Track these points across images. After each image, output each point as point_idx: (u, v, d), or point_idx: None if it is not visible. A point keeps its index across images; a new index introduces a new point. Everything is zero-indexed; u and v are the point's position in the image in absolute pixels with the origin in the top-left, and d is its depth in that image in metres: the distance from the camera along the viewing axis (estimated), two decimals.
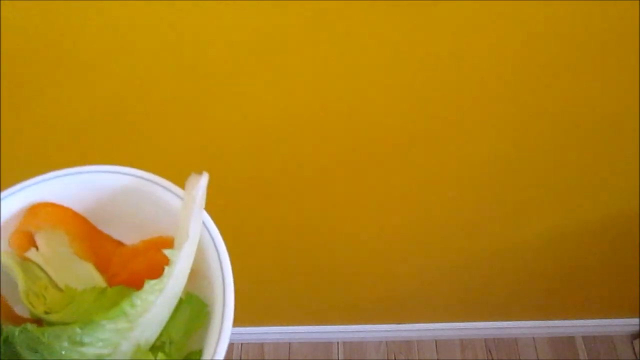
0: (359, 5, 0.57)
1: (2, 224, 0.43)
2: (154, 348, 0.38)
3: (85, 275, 0.43)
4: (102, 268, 0.44)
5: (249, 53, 0.63)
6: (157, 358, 0.36)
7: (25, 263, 0.43)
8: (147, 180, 0.43)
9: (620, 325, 1.42)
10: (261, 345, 1.43)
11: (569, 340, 1.47)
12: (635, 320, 1.39)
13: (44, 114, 0.67)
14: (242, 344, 1.43)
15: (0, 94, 0.62)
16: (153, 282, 0.36)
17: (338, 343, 1.44)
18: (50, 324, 0.41)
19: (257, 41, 0.61)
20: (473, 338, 1.47)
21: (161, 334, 0.38)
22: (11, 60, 0.59)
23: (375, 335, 1.43)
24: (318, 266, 1.11)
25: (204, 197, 0.40)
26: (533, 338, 1.47)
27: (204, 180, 0.40)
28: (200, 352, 0.38)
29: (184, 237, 0.38)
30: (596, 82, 0.66)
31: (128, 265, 0.44)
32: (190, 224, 0.38)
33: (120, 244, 0.46)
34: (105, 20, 0.57)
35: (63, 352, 0.35)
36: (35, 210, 0.43)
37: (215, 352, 0.36)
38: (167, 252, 0.37)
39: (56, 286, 0.43)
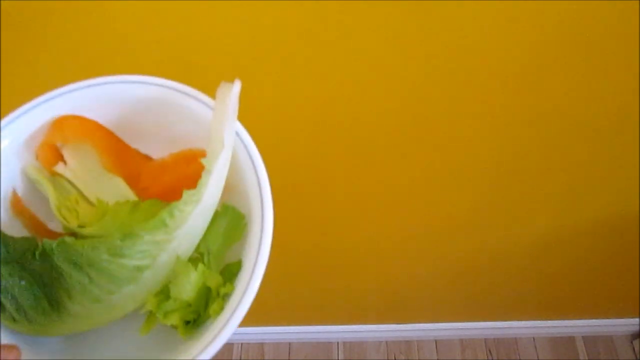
0: (359, 5, 0.55)
1: (28, 138, 0.41)
2: (193, 259, 0.38)
3: (115, 188, 0.42)
4: (131, 182, 0.43)
5: (249, 53, 0.61)
6: (198, 269, 0.36)
7: (54, 178, 0.42)
8: (176, 90, 0.41)
9: (620, 325, 1.42)
10: (261, 345, 1.43)
11: (569, 340, 1.47)
12: (635, 320, 1.38)
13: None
14: (242, 344, 1.43)
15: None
16: (190, 192, 0.35)
17: (338, 343, 1.44)
18: (85, 237, 0.40)
19: (257, 41, 0.60)
20: (473, 338, 1.46)
21: (199, 246, 0.38)
22: None
23: (375, 335, 1.43)
24: (318, 266, 1.11)
25: (237, 105, 0.38)
26: (533, 338, 1.47)
27: (236, 87, 0.38)
28: (239, 263, 0.37)
29: (219, 145, 0.36)
30: (596, 82, 0.66)
31: (158, 179, 0.43)
32: (224, 133, 0.37)
33: (148, 158, 0.45)
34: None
35: (104, 264, 0.35)
36: (60, 123, 0.41)
37: (255, 263, 0.35)
38: (203, 160, 0.36)
39: (87, 200, 0.42)
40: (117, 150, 0.43)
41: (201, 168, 0.40)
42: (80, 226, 0.40)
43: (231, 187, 0.39)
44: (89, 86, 0.42)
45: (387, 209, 0.94)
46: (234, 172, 0.39)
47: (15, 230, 0.41)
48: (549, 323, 1.41)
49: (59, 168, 0.41)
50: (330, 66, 0.64)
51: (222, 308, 0.36)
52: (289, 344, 1.44)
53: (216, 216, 0.38)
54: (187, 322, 0.38)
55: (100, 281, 0.35)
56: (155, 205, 0.40)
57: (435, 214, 0.95)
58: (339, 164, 0.81)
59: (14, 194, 0.41)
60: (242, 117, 0.40)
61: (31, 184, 0.42)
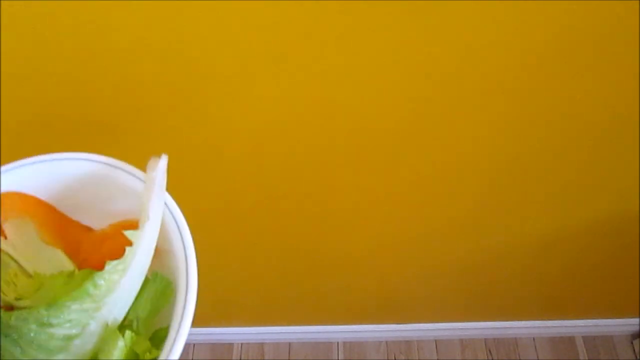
0: (359, 5, 0.56)
1: None
2: (122, 327, 0.39)
3: (55, 260, 0.44)
4: (72, 254, 0.45)
5: (249, 53, 0.62)
6: (125, 336, 0.37)
7: None
8: (111, 166, 0.44)
9: (620, 325, 1.41)
10: (261, 345, 1.43)
11: (569, 340, 1.46)
12: (635, 320, 1.38)
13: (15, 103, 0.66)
14: (242, 344, 1.43)
15: None
16: (115, 262, 0.37)
17: (338, 343, 1.44)
18: (22, 309, 0.42)
19: (257, 41, 0.61)
20: (473, 338, 1.46)
21: (128, 313, 0.39)
22: None
23: (375, 335, 1.43)
24: (318, 266, 1.11)
25: (164, 178, 0.41)
26: (533, 338, 1.47)
27: (163, 162, 0.40)
28: (166, 329, 0.39)
29: (145, 218, 0.39)
30: (596, 82, 0.66)
31: (97, 250, 0.45)
32: (150, 205, 0.39)
33: (89, 229, 0.47)
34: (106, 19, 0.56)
35: (32, 334, 0.36)
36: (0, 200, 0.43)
37: (178, 330, 0.37)
38: (127, 233, 0.38)
39: (26, 273, 0.44)
40: (56, 223, 0.45)
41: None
42: (18, 299, 0.41)
43: (161, 253, 0.41)
44: (27, 164, 0.45)
45: (386, 209, 0.93)
46: (163, 240, 0.41)
47: None
48: (549, 323, 1.40)
49: None
50: (330, 67, 0.64)
51: None
52: (289, 344, 1.43)
53: (146, 283, 0.40)
54: None
55: (31, 352, 0.37)
56: (89, 274, 0.41)
57: (435, 213, 0.95)
58: (339, 165, 0.81)
59: None
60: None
61: None
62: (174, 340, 0.36)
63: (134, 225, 0.45)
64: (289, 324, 1.37)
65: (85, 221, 0.47)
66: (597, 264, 1.13)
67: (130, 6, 0.55)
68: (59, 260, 0.44)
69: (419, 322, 1.39)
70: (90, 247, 0.46)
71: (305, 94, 0.68)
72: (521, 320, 1.40)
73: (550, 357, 1.45)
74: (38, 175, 0.45)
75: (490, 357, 1.44)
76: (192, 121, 0.71)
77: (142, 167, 0.44)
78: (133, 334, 0.38)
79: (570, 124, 0.73)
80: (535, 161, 0.81)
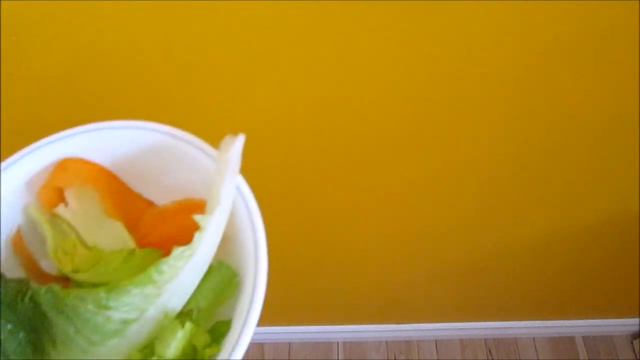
0: (359, 5, 0.55)
1: (30, 179, 0.41)
2: (181, 315, 0.36)
3: (114, 234, 0.42)
4: (131, 227, 0.43)
5: (249, 53, 0.61)
6: (185, 327, 0.35)
7: (54, 219, 0.42)
8: (181, 139, 0.41)
9: (620, 325, 1.41)
10: (261, 345, 1.42)
11: (569, 340, 1.46)
12: (635, 320, 1.38)
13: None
14: None
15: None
16: (182, 248, 0.34)
17: (338, 343, 1.43)
18: (78, 282, 0.40)
19: (257, 41, 0.60)
20: (473, 338, 1.46)
21: (189, 301, 0.37)
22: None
23: (375, 335, 1.42)
24: (318, 266, 1.10)
25: (239, 160, 0.38)
26: (533, 338, 1.47)
27: (239, 142, 0.37)
28: (229, 322, 0.36)
29: (215, 202, 0.35)
30: (596, 82, 0.65)
31: (158, 227, 0.43)
32: (222, 189, 0.36)
33: (150, 203, 0.45)
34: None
35: (88, 315, 0.34)
36: (64, 165, 0.41)
37: (244, 326, 0.34)
38: (197, 217, 0.35)
39: (85, 244, 0.41)
40: (119, 194, 0.43)
41: None
42: (74, 271, 0.39)
43: (227, 241, 0.38)
44: (93, 130, 0.42)
45: (387, 209, 0.93)
46: (232, 226, 0.38)
47: (12, 269, 0.41)
48: (549, 323, 1.41)
49: (59, 209, 0.41)
50: (329, 67, 0.63)
51: None
52: (289, 344, 1.43)
53: (209, 272, 0.37)
54: None
55: (85, 332, 0.34)
56: (149, 254, 0.39)
57: (435, 213, 0.95)
58: (339, 165, 0.81)
59: (18, 231, 0.41)
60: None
61: (32, 224, 0.42)
62: (238, 338, 0.34)
63: (198, 204, 0.42)
64: (289, 324, 1.38)
65: (146, 194, 0.45)
66: (597, 264, 1.13)
67: (130, 6, 0.54)
68: (118, 234, 0.41)
69: (419, 322, 1.39)
70: (150, 222, 0.43)
71: (305, 94, 0.67)
72: (521, 320, 1.40)
73: (550, 357, 1.45)
74: (102, 142, 0.42)
75: (490, 357, 1.44)
76: (192, 121, 0.69)
77: None
78: (192, 325, 0.35)
79: (570, 124, 0.73)
80: (535, 161, 0.81)
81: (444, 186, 0.86)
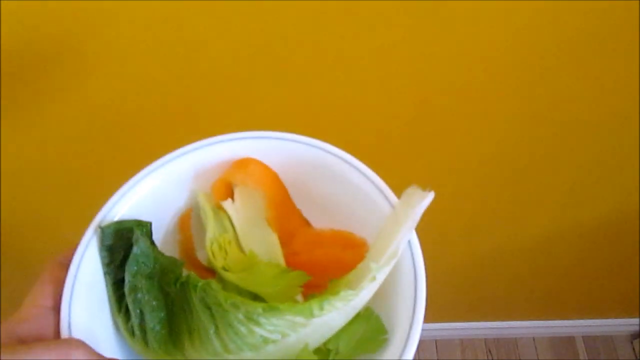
0: (359, 5, 0.55)
1: (208, 167, 0.42)
2: (319, 351, 0.35)
3: (268, 243, 0.41)
4: (283, 241, 0.42)
5: (250, 53, 0.61)
6: None
7: (218, 211, 0.42)
8: (362, 173, 0.40)
9: (620, 325, 1.42)
10: None
11: (569, 340, 1.46)
12: (635, 320, 1.38)
13: None
14: None
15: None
16: (350, 292, 0.33)
17: None
18: (223, 279, 0.40)
19: (258, 40, 0.60)
20: (473, 338, 1.46)
21: (329, 340, 0.36)
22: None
23: None
24: None
25: (420, 216, 0.36)
26: (533, 338, 1.46)
27: (428, 199, 0.35)
28: None
29: (391, 254, 0.34)
30: (596, 82, 0.66)
31: (311, 251, 0.42)
32: (401, 242, 0.35)
33: (307, 222, 0.44)
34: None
35: (235, 322, 0.34)
36: (244, 163, 0.41)
37: None
38: (373, 265, 0.34)
39: (238, 244, 0.42)
40: (283, 206, 0.43)
41: (357, 258, 0.39)
42: (224, 268, 0.40)
43: (382, 292, 0.36)
44: (277, 138, 0.42)
45: None
46: (393, 279, 0.36)
47: (169, 244, 0.42)
48: (549, 323, 1.42)
49: (226, 204, 0.42)
50: (331, 67, 0.64)
51: None
52: None
53: (357, 317, 0.36)
54: None
55: (225, 337, 0.34)
56: (300, 277, 0.38)
57: (435, 213, 0.91)
58: None
59: (188, 211, 0.42)
60: None
61: (195, 210, 0.43)
62: None
63: (357, 242, 0.41)
64: None
65: (306, 213, 0.44)
66: (597, 264, 1.14)
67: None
68: (271, 245, 0.41)
69: None
70: (303, 242, 0.43)
71: (305, 94, 0.68)
72: (521, 320, 1.41)
73: (550, 357, 1.44)
74: (279, 151, 0.42)
75: (490, 357, 1.44)
76: (191, 121, 0.70)
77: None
78: None
79: (571, 125, 0.73)
80: (535, 162, 0.81)
81: (444, 186, 0.87)
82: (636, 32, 0.59)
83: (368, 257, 0.37)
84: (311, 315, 0.32)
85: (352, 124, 0.74)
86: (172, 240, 0.42)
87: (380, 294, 0.36)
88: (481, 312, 1.38)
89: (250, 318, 0.33)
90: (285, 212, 0.43)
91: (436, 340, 1.46)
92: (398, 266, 0.36)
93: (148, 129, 0.72)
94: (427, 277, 0.35)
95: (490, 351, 1.46)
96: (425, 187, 0.84)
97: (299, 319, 0.33)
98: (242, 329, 0.34)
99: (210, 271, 0.41)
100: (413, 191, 0.37)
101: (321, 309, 0.32)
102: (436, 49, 0.61)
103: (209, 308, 0.35)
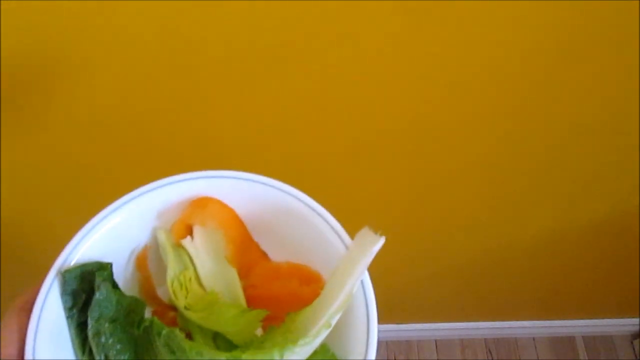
0: (359, 5, 0.55)
1: (164, 207, 0.43)
2: None
3: (227, 279, 0.43)
4: (242, 274, 0.44)
5: (250, 53, 0.62)
6: None
7: (178, 249, 0.43)
8: (320, 215, 0.42)
9: (620, 325, 1.42)
10: None
11: (569, 340, 1.46)
12: (635, 320, 1.39)
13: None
14: None
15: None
16: (306, 340, 0.35)
17: None
18: (184, 318, 0.41)
19: (258, 40, 0.60)
20: (473, 338, 1.46)
21: None
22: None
23: None
24: None
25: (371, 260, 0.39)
26: (533, 338, 1.46)
27: (379, 244, 0.38)
28: None
29: (345, 299, 0.36)
30: (596, 82, 0.66)
31: (269, 284, 0.44)
32: (351, 283, 0.37)
33: (265, 255, 0.46)
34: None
35: None
36: (203, 203, 0.43)
37: None
38: (328, 317, 0.36)
39: (199, 282, 0.43)
40: (241, 242, 0.44)
41: (313, 293, 0.41)
42: (186, 307, 0.41)
43: (337, 330, 0.39)
44: (235, 178, 0.44)
45: (386, 209, 0.94)
46: (347, 318, 0.39)
47: (128, 283, 0.43)
48: (549, 323, 1.43)
49: (186, 242, 0.43)
50: (331, 66, 0.64)
51: None
52: None
53: (313, 354, 0.38)
54: None
55: None
56: (259, 316, 0.40)
57: (435, 213, 0.95)
58: (339, 163, 0.82)
59: (144, 250, 0.43)
60: None
61: (156, 248, 0.44)
62: None
63: (314, 277, 0.43)
64: None
65: (263, 246, 0.46)
66: (597, 264, 1.14)
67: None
68: (232, 281, 0.43)
69: (419, 322, 1.40)
70: (261, 276, 0.45)
71: (306, 94, 0.68)
72: (521, 320, 1.41)
73: (550, 357, 1.45)
74: (239, 190, 0.44)
75: (490, 357, 1.45)
76: (190, 121, 0.71)
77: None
78: None
79: (571, 125, 0.74)
80: (535, 161, 0.81)
81: (444, 186, 0.87)
82: (636, 32, 0.59)
83: (323, 295, 0.39)
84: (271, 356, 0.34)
85: (353, 125, 0.74)
86: (131, 278, 0.43)
87: (335, 331, 0.39)
88: (481, 312, 1.39)
89: None
90: (243, 247, 0.44)
91: (436, 340, 1.46)
92: (352, 304, 0.39)
93: (149, 131, 0.72)
94: (379, 307, 0.37)
95: (490, 351, 1.46)
96: (425, 187, 0.86)
97: None
98: None
99: (172, 308, 0.43)
100: (365, 233, 0.39)
101: (281, 356, 0.34)
102: (439, 50, 0.61)
103: (173, 352, 0.36)
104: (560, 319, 1.42)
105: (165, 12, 0.56)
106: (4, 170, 0.75)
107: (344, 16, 0.58)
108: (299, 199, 0.43)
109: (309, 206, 0.43)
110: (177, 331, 0.36)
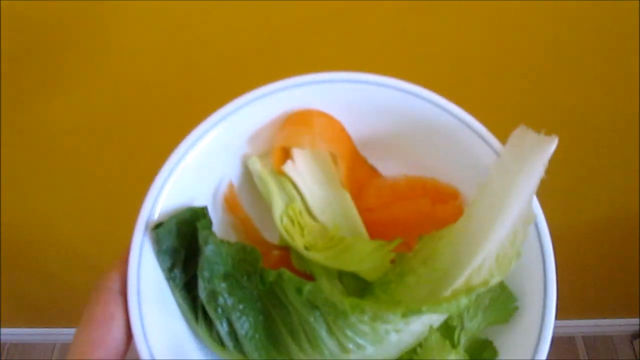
0: (359, 4, 0.54)
1: (255, 130, 0.34)
2: (444, 330, 0.32)
3: (341, 206, 0.36)
4: (353, 195, 0.37)
5: (251, 52, 0.60)
6: (456, 351, 0.30)
7: (278, 177, 0.35)
8: (452, 114, 0.34)
9: (620, 325, 1.42)
10: None
11: (569, 340, 1.46)
12: (635, 320, 1.38)
13: None
14: None
15: None
16: (494, 279, 0.29)
17: None
18: (301, 257, 0.34)
19: (259, 40, 0.59)
20: None
21: (451, 317, 0.32)
22: None
23: None
24: None
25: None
26: None
27: (552, 147, 0.30)
28: (494, 349, 0.32)
29: (527, 217, 0.29)
30: (596, 82, 0.66)
31: (390, 206, 0.37)
32: (529, 196, 0.30)
33: (375, 171, 0.38)
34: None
35: (357, 323, 0.29)
36: (308, 119, 0.34)
37: None
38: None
39: (310, 213, 0.35)
40: (351, 160, 0.36)
41: (452, 211, 0.34)
42: (307, 248, 0.34)
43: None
44: (334, 81, 0.34)
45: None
46: None
47: (222, 232, 0.35)
48: None
49: (287, 167, 0.35)
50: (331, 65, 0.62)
51: None
52: None
53: None
54: None
55: (342, 337, 0.30)
56: (393, 248, 0.33)
57: None
58: None
59: (231, 187, 0.35)
60: None
61: (245, 182, 0.36)
62: None
63: (443, 190, 0.36)
64: None
65: (371, 159, 0.38)
66: (598, 264, 1.14)
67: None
68: (347, 208, 0.36)
69: None
70: (378, 196, 0.37)
71: None
72: None
73: (550, 357, 1.44)
74: (339, 96, 0.35)
75: None
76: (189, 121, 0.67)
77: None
78: (459, 351, 0.31)
79: (571, 124, 0.73)
80: None
81: None
82: (636, 32, 0.58)
83: (476, 215, 0.32)
84: (459, 309, 0.28)
85: None
86: (221, 225, 0.36)
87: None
88: None
89: (377, 317, 0.29)
90: (353, 166, 0.36)
91: None
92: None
93: (150, 127, 0.69)
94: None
95: None
96: None
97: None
98: (364, 327, 0.29)
99: (282, 249, 0.36)
100: (523, 133, 0.31)
101: (469, 300, 0.28)
102: (436, 48, 0.59)
103: (316, 308, 0.30)
104: (560, 319, 1.42)
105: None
106: (4, 170, 0.72)
107: (344, 16, 0.55)
108: (417, 95, 0.34)
109: (436, 104, 0.34)
110: (324, 286, 0.29)
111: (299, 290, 0.29)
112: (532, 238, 0.32)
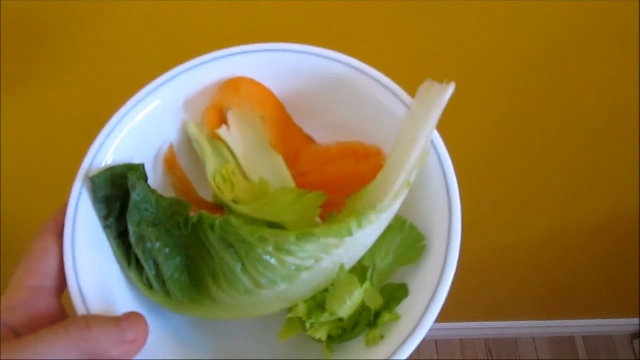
0: (359, 4, 0.54)
1: (191, 96, 0.38)
2: (354, 271, 0.33)
3: (274, 168, 0.38)
4: (288, 162, 0.39)
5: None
6: (364, 286, 0.32)
7: (213, 141, 0.38)
8: (364, 73, 0.36)
9: (620, 325, 1.41)
10: None
11: (569, 340, 1.46)
12: (635, 320, 1.38)
13: None
14: None
15: None
16: (385, 204, 0.30)
17: None
18: (235, 213, 0.37)
19: (257, 39, 0.57)
20: (473, 338, 1.45)
21: (364, 258, 0.33)
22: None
23: None
24: None
25: (441, 113, 0.33)
26: (533, 338, 1.46)
27: (449, 92, 0.32)
28: (405, 288, 0.33)
29: (423, 154, 0.31)
30: (596, 81, 0.65)
31: (321, 168, 0.39)
32: (427, 139, 0.32)
33: (310, 140, 0.41)
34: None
35: (264, 256, 0.31)
36: (236, 85, 0.37)
37: (433, 297, 0.30)
38: (405, 168, 0.31)
39: (243, 173, 0.38)
40: (283, 125, 0.39)
41: (374, 168, 0.36)
42: (235, 201, 0.36)
43: (410, 199, 0.34)
44: (262, 50, 0.38)
45: None
46: (421, 183, 0.34)
47: (163, 190, 0.38)
48: (549, 323, 1.42)
49: (222, 131, 0.38)
50: None
51: (378, 339, 0.31)
52: None
53: (390, 230, 0.34)
54: (330, 337, 0.34)
55: (255, 273, 0.32)
56: (319, 199, 0.35)
57: None
58: None
59: (171, 148, 0.38)
60: None
61: (185, 145, 0.39)
62: (424, 313, 0.30)
63: (369, 151, 0.38)
64: None
65: (308, 129, 0.41)
66: (597, 264, 1.14)
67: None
68: (279, 169, 0.38)
69: None
70: (311, 161, 0.40)
71: None
72: (521, 320, 1.41)
73: (550, 357, 1.45)
74: (271, 65, 0.38)
75: (490, 357, 1.44)
76: None
77: None
78: (369, 285, 0.32)
79: (571, 124, 0.73)
80: (535, 162, 0.81)
81: None
82: (636, 32, 0.58)
83: (389, 164, 0.34)
84: (349, 234, 0.29)
85: None
86: (162, 184, 0.39)
87: (408, 201, 0.34)
88: (481, 312, 1.38)
89: (280, 248, 0.31)
90: (285, 132, 0.39)
91: (436, 340, 1.45)
92: (426, 169, 0.34)
93: None
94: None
95: (490, 351, 1.45)
96: None
97: (332, 241, 0.31)
98: (273, 261, 0.31)
99: (217, 207, 0.38)
100: (429, 86, 0.34)
101: (360, 226, 0.30)
102: (435, 47, 0.60)
103: (230, 245, 0.32)
104: (560, 319, 1.41)
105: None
106: (4, 166, 0.72)
107: (344, 16, 0.56)
108: (343, 62, 0.37)
109: (356, 69, 0.37)
110: (232, 219, 0.31)
111: (212, 227, 0.32)
112: (438, 179, 0.33)
